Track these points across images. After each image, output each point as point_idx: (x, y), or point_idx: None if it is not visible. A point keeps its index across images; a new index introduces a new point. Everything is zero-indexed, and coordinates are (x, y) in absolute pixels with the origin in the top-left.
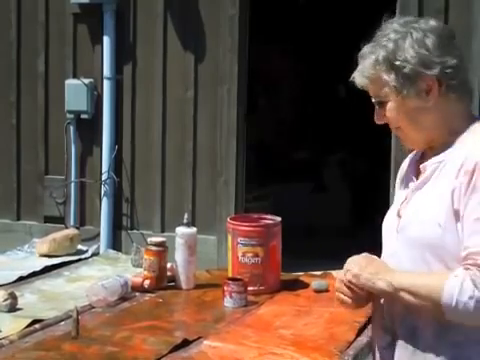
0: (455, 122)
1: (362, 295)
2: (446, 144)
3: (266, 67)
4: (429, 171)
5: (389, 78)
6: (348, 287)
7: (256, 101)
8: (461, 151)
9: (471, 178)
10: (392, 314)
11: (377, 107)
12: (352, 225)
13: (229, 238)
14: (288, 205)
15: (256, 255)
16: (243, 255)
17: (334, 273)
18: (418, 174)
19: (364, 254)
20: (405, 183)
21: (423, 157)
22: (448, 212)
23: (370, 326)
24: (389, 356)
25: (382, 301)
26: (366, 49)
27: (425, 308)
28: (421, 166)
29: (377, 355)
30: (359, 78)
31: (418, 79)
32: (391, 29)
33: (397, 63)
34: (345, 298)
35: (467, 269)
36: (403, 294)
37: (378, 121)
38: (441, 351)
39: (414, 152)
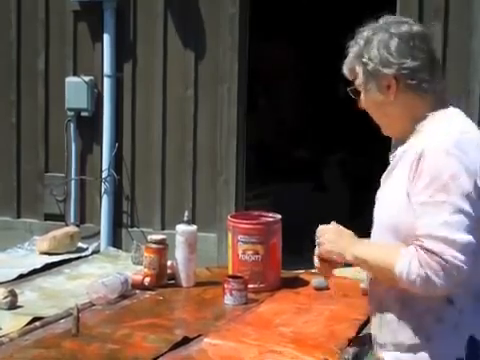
0: (418, 114)
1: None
2: (404, 135)
3: (266, 66)
4: (395, 160)
5: (359, 72)
6: (320, 258)
7: (256, 100)
8: (418, 140)
9: (418, 164)
10: (370, 288)
11: (355, 95)
12: (352, 225)
13: (229, 236)
14: (288, 204)
15: (256, 253)
16: (243, 253)
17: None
18: None
19: (333, 225)
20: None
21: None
22: (403, 196)
23: (370, 324)
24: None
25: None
26: (351, 42)
27: (382, 277)
28: (391, 156)
29: None
30: (344, 68)
31: (379, 76)
32: (369, 27)
33: (364, 60)
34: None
35: (416, 249)
36: (363, 265)
37: (360, 106)
38: (405, 321)
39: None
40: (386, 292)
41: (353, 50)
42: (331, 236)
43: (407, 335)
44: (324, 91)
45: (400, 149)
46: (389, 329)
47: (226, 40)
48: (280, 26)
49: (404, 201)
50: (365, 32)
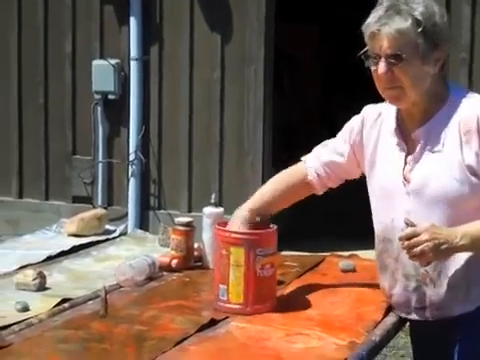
0: (440, 90)
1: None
2: (427, 110)
3: (293, 48)
4: (424, 136)
5: (419, 41)
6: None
7: (282, 82)
8: (453, 113)
9: (477, 128)
10: (416, 263)
11: (387, 61)
12: None
13: (241, 252)
14: None
15: (272, 265)
16: (261, 268)
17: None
18: (406, 141)
19: (430, 224)
20: (391, 149)
21: (401, 125)
22: (461, 167)
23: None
24: (418, 296)
25: (400, 257)
26: (402, 5)
27: None
28: (413, 134)
29: (397, 299)
30: (388, 28)
31: (439, 49)
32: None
33: (431, 31)
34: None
35: None
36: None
37: (385, 74)
38: (464, 287)
39: (374, 118)
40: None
41: (411, 15)
42: (430, 233)
43: None
44: (350, 72)
45: (427, 127)
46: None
47: (252, 22)
48: (307, 7)
49: (464, 172)
50: (420, 3)
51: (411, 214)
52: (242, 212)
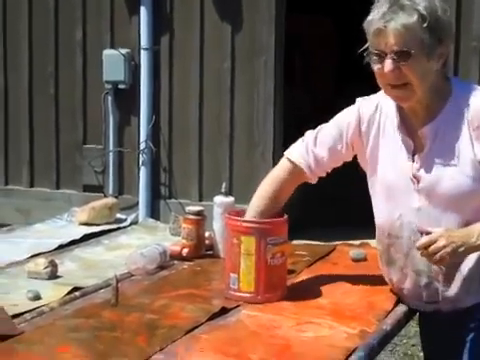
0: (442, 85)
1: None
2: (431, 107)
3: (303, 37)
4: (432, 134)
5: (424, 36)
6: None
7: (293, 72)
8: (460, 109)
9: None
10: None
11: (394, 58)
12: None
13: (252, 241)
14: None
15: (283, 254)
16: (272, 257)
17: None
18: (412, 137)
19: (444, 229)
20: (395, 145)
21: (404, 122)
22: (473, 164)
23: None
24: (430, 291)
25: (410, 253)
26: (405, 0)
27: None
28: (420, 132)
29: (407, 293)
30: (394, 24)
31: (442, 44)
32: None
33: (435, 26)
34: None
35: None
36: None
37: (391, 72)
38: (478, 280)
39: (372, 112)
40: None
41: (417, 11)
42: (446, 238)
43: None
44: (361, 61)
45: (433, 125)
46: None
47: (263, 12)
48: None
49: (477, 169)
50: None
51: (421, 212)
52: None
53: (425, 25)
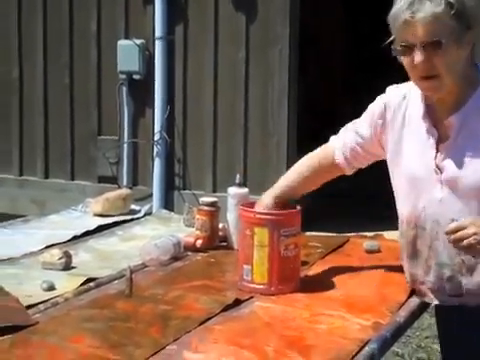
0: (469, 73)
1: None
2: (459, 95)
3: (319, 28)
4: (458, 124)
5: (452, 24)
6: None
7: (308, 62)
8: None
9: None
10: (451, 253)
11: (424, 49)
12: None
13: (265, 232)
14: None
15: (296, 246)
16: (286, 248)
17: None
18: (437, 127)
19: (474, 218)
20: (420, 134)
21: (429, 111)
22: None
23: None
24: (453, 285)
25: (433, 245)
26: None
27: None
28: (446, 121)
29: (430, 287)
30: (423, 14)
31: (471, 30)
32: None
33: (463, 12)
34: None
35: None
36: None
37: (423, 63)
38: None
39: (399, 100)
40: None
41: (440, 0)
42: (477, 226)
43: None
44: (377, 54)
45: (459, 114)
46: None
47: (277, 2)
48: None
49: None
50: None
51: (443, 203)
52: (266, 199)
53: (453, 12)
